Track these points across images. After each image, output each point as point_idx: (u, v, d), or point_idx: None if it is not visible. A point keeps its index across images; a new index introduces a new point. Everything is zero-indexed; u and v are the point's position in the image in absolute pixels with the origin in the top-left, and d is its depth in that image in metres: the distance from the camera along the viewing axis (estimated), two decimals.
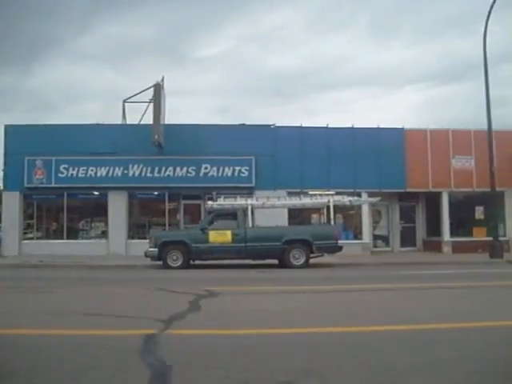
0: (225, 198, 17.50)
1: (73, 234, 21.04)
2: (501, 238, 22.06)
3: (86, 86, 53.03)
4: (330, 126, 21.66)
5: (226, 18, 56.42)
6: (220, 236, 14.97)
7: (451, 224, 22.09)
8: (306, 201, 16.63)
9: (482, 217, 22.37)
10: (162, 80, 21.41)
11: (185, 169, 21.00)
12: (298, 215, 20.87)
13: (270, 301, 7.80)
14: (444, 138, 22.09)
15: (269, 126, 21.59)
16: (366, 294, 8.64)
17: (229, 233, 14.97)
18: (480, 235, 22.13)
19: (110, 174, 20.46)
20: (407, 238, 23.21)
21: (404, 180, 21.62)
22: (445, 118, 55.57)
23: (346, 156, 21.36)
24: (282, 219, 20.44)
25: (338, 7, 57.29)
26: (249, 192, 20.39)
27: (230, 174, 21.00)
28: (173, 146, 20.66)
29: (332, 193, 18.26)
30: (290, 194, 21.08)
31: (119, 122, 22.01)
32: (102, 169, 20.45)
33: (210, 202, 16.82)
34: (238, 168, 21.00)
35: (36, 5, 50.94)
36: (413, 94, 57.31)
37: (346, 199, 16.52)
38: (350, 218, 22.02)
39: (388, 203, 23.27)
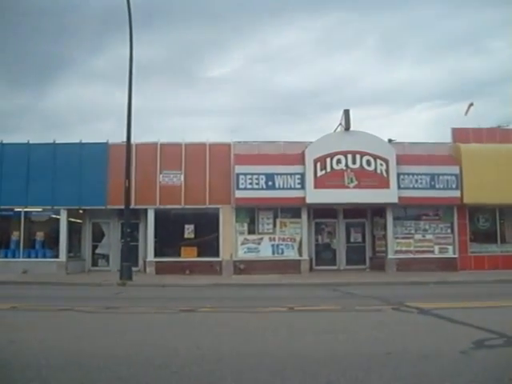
0: None
1: None
2: (213, 259, 21.07)
3: (99, 106, 55.59)
4: (30, 141, 21.35)
5: (234, 38, 57.85)
6: None
7: (156, 243, 21.03)
8: None
9: (192, 236, 21.15)
10: None
11: None
12: None
13: None
14: (152, 152, 21.25)
15: None
16: None
17: None
18: (189, 255, 20.96)
19: None
20: (130, 258, 22.19)
21: (104, 196, 20.87)
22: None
23: (46, 172, 20.89)
24: None
25: (344, 27, 57.50)
26: None
27: None
28: None
29: None
30: None
31: None
32: None
33: None
34: None
35: (48, 26, 53.77)
36: (424, 112, 56.42)
37: None
38: (52, 235, 21.38)
39: (109, 220, 22.56)
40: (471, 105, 21.95)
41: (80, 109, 55.47)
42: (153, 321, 7.66)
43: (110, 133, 64.07)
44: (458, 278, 17.86)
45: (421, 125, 55.06)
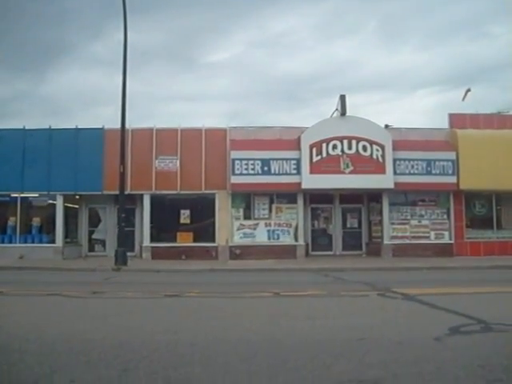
0: None
1: None
2: (209, 244, 21.11)
3: (99, 92, 55.40)
4: (26, 127, 21.29)
5: (234, 23, 57.48)
6: None
7: (152, 228, 21.07)
8: None
9: (187, 221, 21.18)
10: None
11: None
12: None
13: None
14: (148, 138, 21.20)
15: None
16: None
17: None
18: (185, 240, 21.01)
19: None
20: (126, 243, 22.26)
21: (100, 182, 20.87)
22: None
23: (42, 158, 20.87)
24: None
25: (344, 12, 57.10)
26: None
27: None
28: None
29: None
30: None
31: None
32: None
33: None
34: None
35: (48, 12, 53.46)
36: (426, 97, 56.35)
37: None
38: (48, 220, 21.43)
39: (105, 206, 22.59)
40: (468, 90, 21.81)
41: (80, 94, 55.29)
42: (136, 305, 7.72)
43: (110, 118, 63.91)
44: (453, 263, 17.86)
45: (422, 110, 54.88)
